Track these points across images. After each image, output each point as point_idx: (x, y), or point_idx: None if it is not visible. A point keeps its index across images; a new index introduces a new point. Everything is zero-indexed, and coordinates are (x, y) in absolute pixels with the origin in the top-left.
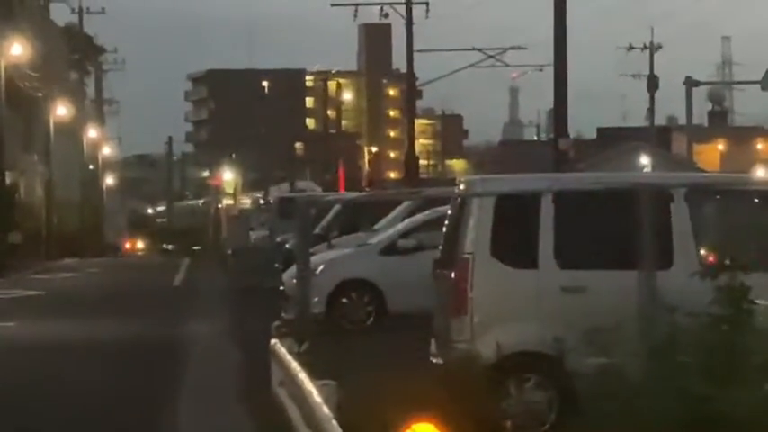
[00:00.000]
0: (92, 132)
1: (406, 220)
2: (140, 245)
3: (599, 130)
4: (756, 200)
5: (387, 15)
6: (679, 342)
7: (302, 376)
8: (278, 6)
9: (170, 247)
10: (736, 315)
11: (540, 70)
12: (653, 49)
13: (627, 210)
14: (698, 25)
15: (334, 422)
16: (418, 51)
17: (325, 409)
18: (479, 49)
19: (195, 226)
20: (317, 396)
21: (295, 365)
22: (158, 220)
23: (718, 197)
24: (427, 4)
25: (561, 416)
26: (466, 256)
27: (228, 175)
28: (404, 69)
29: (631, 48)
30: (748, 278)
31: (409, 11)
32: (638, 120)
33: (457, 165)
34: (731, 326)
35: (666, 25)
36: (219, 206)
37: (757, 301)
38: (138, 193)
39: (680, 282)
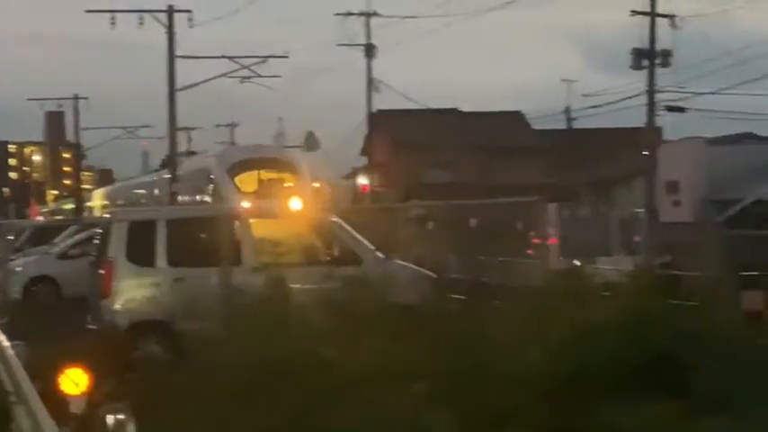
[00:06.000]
0: None
1: (75, 237)
2: None
3: None
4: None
5: (61, 106)
6: (247, 312)
7: (1, 338)
8: None
9: None
10: (277, 295)
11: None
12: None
13: (211, 227)
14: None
15: (21, 367)
16: (83, 129)
17: (16, 359)
18: (122, 127)
19: None
20: (10, 350)
21: None
22: None
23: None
24: (87, 98)
25: (173, 359)
26: (110, 259)
27: None
28: (74, 140)
29: None
30: (293, 272)
31: (76, 102)
32: None
33: None
34: (272, 302)
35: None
36: None
37: (295, 285)
38: None
39: (246, 274)
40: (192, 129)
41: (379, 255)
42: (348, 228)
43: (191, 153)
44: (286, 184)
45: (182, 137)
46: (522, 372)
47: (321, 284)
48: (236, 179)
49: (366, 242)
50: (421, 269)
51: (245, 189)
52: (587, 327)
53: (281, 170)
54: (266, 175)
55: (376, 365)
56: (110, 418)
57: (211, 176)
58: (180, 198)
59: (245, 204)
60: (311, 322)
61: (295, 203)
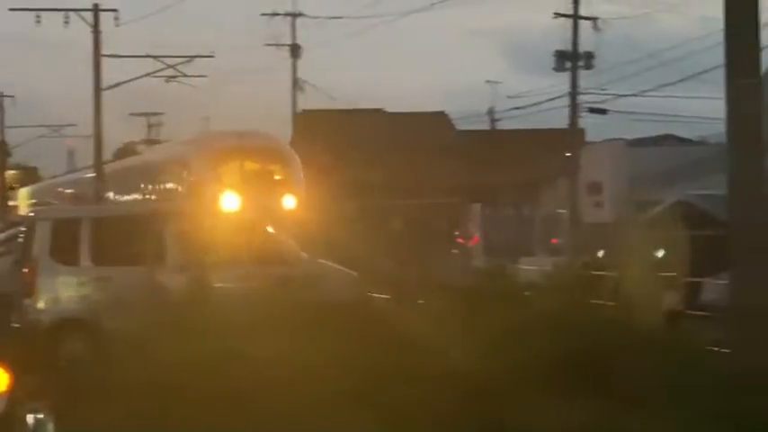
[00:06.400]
0: None
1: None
2: None
3: None
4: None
5: None
6: (171, 311)
7: None
8: None
9: None
10: (200, 294)
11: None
12: None
13: (136, 226)
14: None
15: None
16: (9, 127)
17: None
18: (44, 126)
19: None
20: None
21: None
22: None
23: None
24: (13, 96)
25: (96, 358)
26: (34, 258)
27: None
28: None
29: None
30: (217, 270)
31: (1, 99)
32: None
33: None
34: (196, 297)
35: None
36: None
37: (219, 284)
38: None
39: (170, 273)
40: (155, 114)
41: (303, 254)
42: (272, 228)
43: (152, 142)
44: (275, 177)
45: (137, 125)
46: (443, 371)
47: (245, 283)
48: (220, 171)
49: (290, 242)
50: (344, 269)
51: (228, 182)
52: (508, 325)
53: (269, 161)
54: (252, 166)
55: (298, 364)
56: (29, 418)
57: (188, 167)
58: (138, 194)
59: (231, 200)
60: (234, 321)
61: (288, 201)
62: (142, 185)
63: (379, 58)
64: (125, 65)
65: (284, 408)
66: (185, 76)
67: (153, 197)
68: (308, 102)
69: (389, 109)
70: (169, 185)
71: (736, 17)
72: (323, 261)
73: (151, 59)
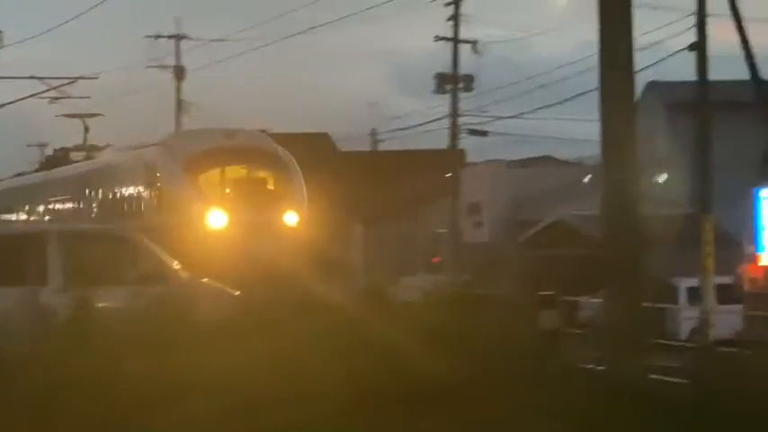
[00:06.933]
0: None
1: None
2: None
3: None
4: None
5: None
6: (51, 331)
7: None
8: None
9: None
10: (79, 311)
11: None
12: None
13: (16, 246)
14: None
15: None
16: None
17: None
18: None
19: None
20: None
21: None
22: None
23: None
24: None
25: None
26: None
27: None
28: None
29: None
30: (97, 291)
31: None
32: None
33: None
34: (75, 318)
35: None
36: None
37: (100, 305)
38: None
39: (51, 294)
40: (91, 116)
41: (183, 273)
42: (152, 245)
43: (92, 147)
44: (267, 187)
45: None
46: (314, 389)
47: (125, 304)
48: (199, 178)
49: (170, 260)
50: (225, 287)
51: (210, 192)
52: (384, 344)
53: (259, 166)
54: (238, 172)
55: (177, 383)
56: None
57: (157, 174)
58: (83, 207)
59: (216, 214)
60: (114, 340)
61: (290, 217)
62: (89, 197)
63: (264, 79)
64: (10, 86)
65: (164, 427)
66: (69, 97)
67: (102, 211)
68: (192, 123)
69: (274, 129)
70: (129, 197)
71: (611, 41)
72: (205, 280)
73: (35, 81)
